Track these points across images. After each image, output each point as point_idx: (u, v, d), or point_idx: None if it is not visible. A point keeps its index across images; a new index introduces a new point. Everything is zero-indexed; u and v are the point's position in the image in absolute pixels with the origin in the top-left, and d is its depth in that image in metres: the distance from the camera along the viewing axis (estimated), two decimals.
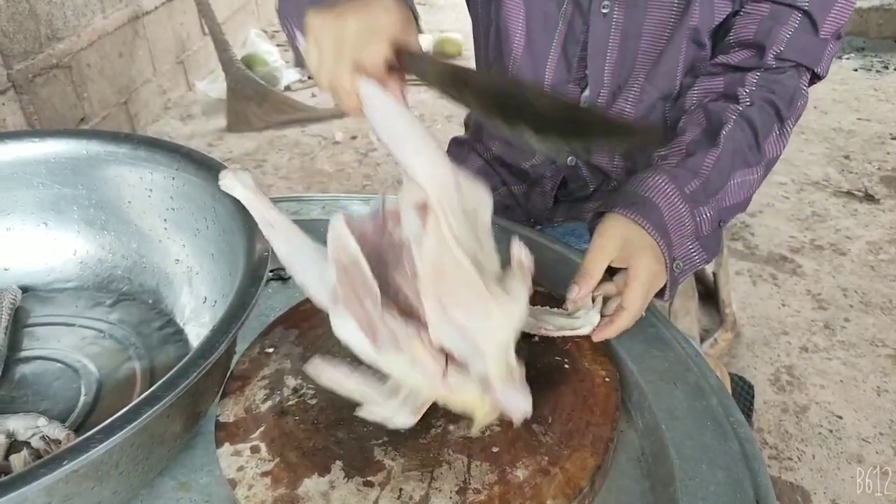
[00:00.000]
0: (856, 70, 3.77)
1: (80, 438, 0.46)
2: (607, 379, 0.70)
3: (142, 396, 0.49)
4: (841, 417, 1.73)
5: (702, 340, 1.82)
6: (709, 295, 1.96)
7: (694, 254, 0.84)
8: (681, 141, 0.90)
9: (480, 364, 0.60)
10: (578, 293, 0.76)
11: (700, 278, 1.92)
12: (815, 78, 0.95)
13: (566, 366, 0.72)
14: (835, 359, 1.91)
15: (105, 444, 0.46)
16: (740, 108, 0.89)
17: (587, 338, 0.75)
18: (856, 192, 2.69)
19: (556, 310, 0.78)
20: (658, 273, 0.78)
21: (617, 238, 0.78)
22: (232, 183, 0.71)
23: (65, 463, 0.44)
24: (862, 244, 2.39)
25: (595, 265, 0.76)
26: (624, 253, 0.77)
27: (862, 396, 1.78)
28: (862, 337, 1.98)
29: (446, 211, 0.57)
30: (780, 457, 1.62)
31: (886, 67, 3.84)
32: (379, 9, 0.64)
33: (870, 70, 3.81)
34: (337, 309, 0.61)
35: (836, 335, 1.99)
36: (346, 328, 0.61)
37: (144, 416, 0.47)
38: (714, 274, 1.88)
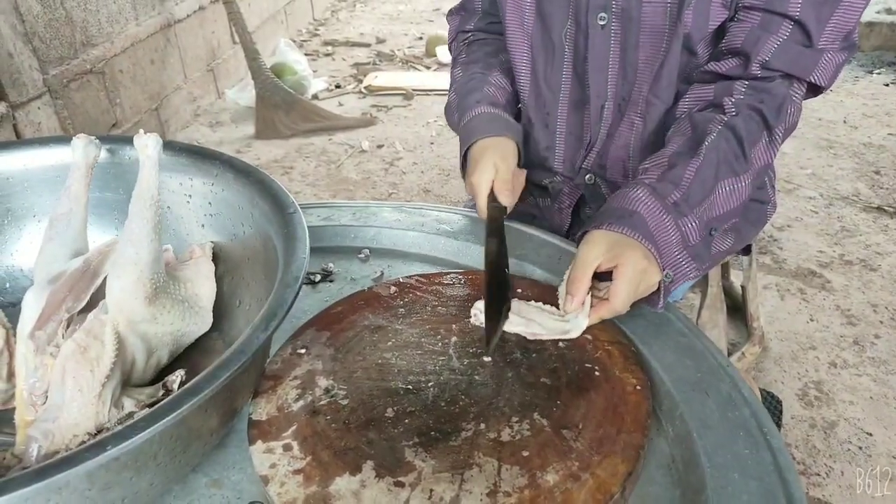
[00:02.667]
0: (887, 85, 3.71)
1: (123, 426, 0.47)
2: (638, 387, 0.69)
3: (183, 388, 0.50)
4: (871, 434, 1.69)
5: (729, 354, 1.80)
6: (736, 308, 1.94)
7: (683, 263, 0.83)
8: (663, 153, 0.90)
9: None
10: (573, 302, 0.77)
11: (728, 292, 1.91)
12: (816, 88, 0.93)
13: (597, 373, 0.72)
14: (864, 375, 1.88)
15: (147, 431, 0.47)
16: (725, 119, 0.89)
17: (619, 346, 0.75)
18: (886, 208, 2.65)
19: (549, 308, 0.80)
20: (646, 269, 0.78)
21: (602, 243, 0.79)
22: (143, 142, 0.78)
23: (108, 448, 0.45)
24: (893, 260, 2.35)
25: (583, 271, 0.78)
26: (611, 254, 0.78)
27: (893, 414, 1.75)
28: (893, 353, 1.95)
29: None
30: (808, 472, 1.60)
31: None
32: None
33: None
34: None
35: (866, 351, 1.96)
36: None
37: (186, 405, 0.48)
38: (742, 287, 1.87)
